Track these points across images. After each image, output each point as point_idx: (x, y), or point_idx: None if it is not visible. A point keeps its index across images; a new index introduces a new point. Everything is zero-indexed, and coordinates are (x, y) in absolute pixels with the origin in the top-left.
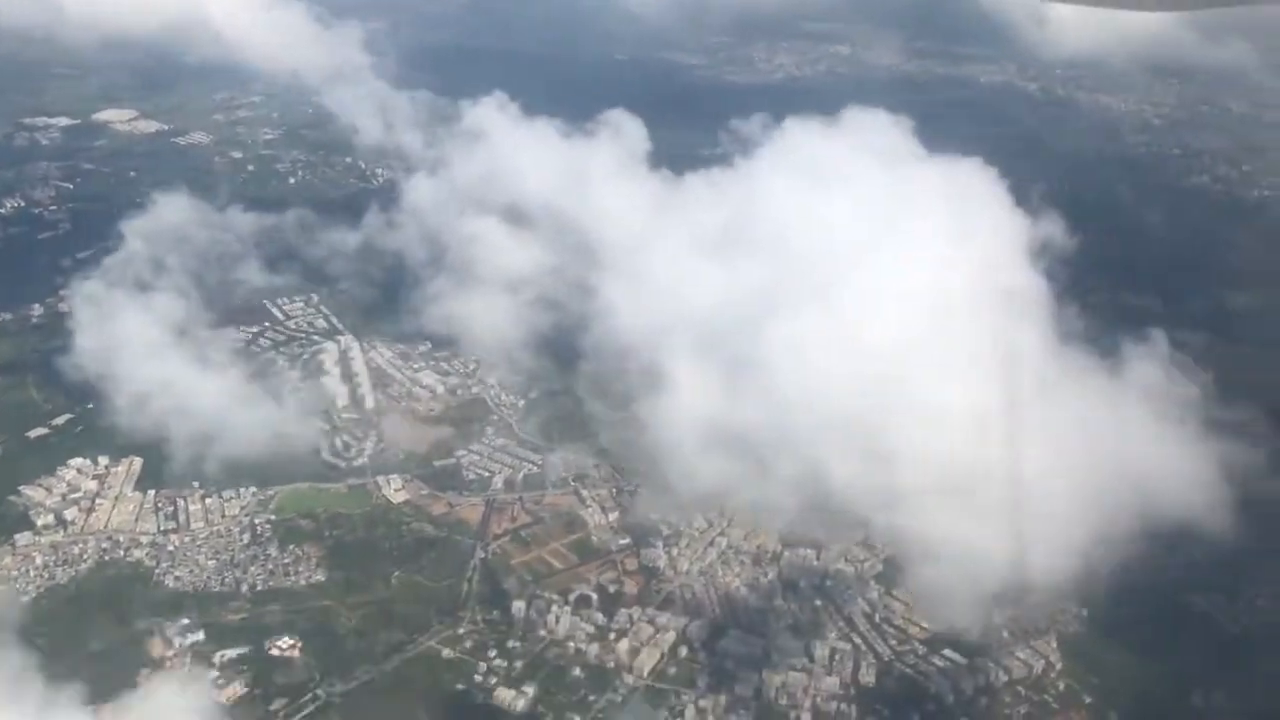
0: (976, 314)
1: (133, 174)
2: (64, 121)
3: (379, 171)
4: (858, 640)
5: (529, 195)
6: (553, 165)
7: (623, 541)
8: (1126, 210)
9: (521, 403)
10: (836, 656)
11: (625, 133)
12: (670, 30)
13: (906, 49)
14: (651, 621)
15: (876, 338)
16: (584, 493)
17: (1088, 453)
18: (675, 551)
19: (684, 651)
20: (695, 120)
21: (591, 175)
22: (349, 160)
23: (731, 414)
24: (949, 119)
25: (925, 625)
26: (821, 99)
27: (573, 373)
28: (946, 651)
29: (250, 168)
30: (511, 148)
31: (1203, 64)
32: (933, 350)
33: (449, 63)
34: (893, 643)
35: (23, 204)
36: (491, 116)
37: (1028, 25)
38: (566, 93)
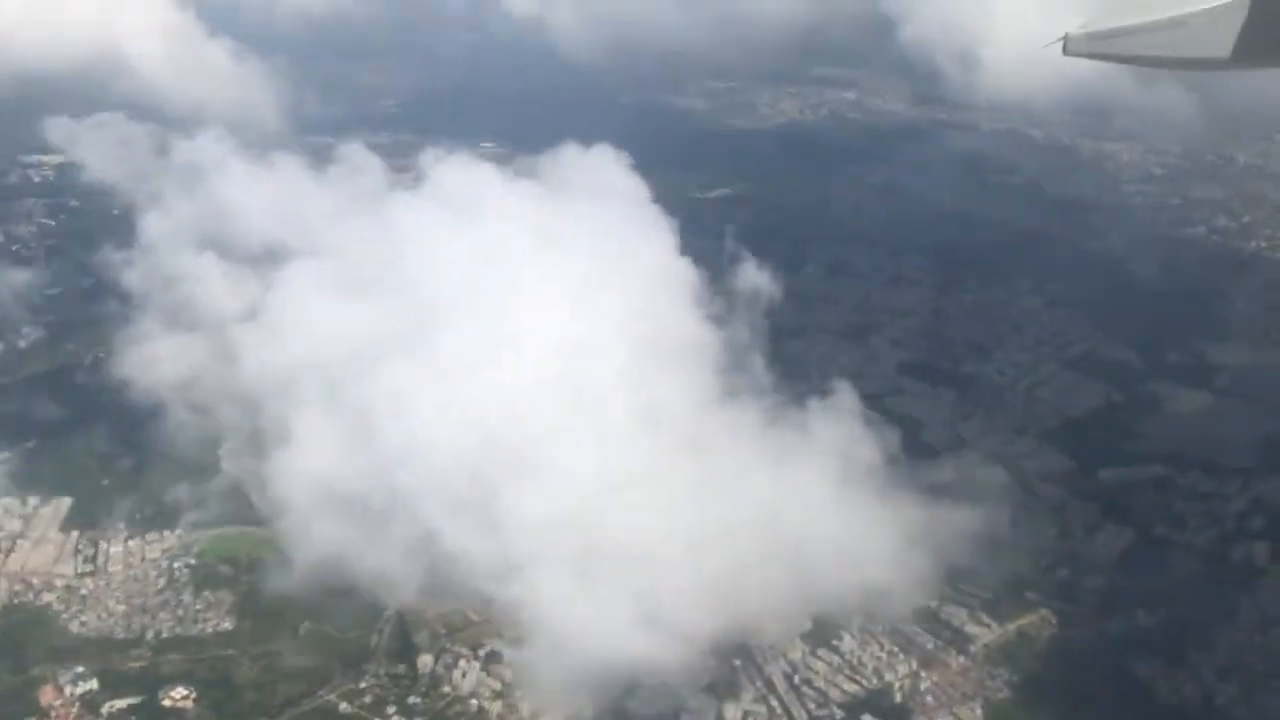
0: (631, 367)
1: None
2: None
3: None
4: (774, 703)
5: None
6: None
7: None
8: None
9: None
10: (749, 719)
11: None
12: (670, 74)
13: (913, 95)
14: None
15: (501, 389)
16: None
17: (740, 518)
18: None
19: (590, 712)
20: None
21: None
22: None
23: (349, 472)
24: (936, 164)
25: (847, 688)
26: (812, 144)
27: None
28: (865, 717)
29: None
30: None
31: (1210, 114)
32: (566, 404)
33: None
34: (810, 706)
35: None
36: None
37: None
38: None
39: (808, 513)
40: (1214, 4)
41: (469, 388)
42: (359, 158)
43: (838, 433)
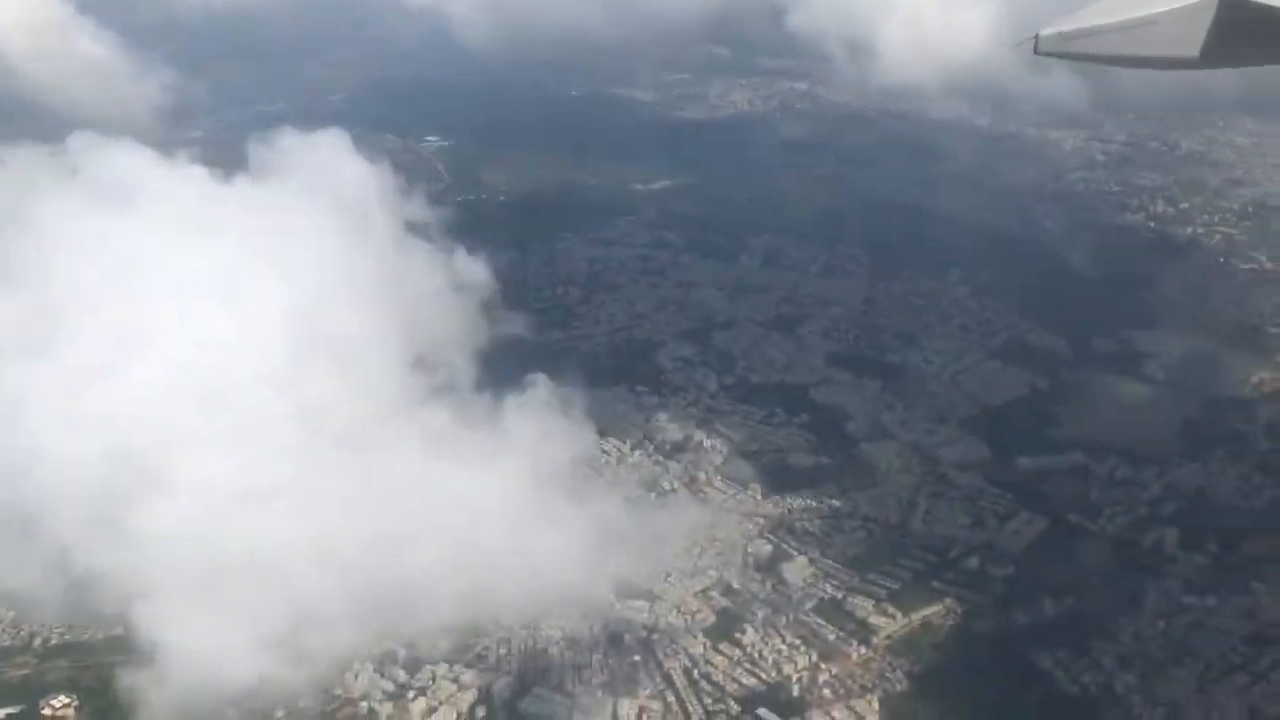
0: (290, 367)
1: None
2: None
3: None
4: (671, 698)
5: None
6: None
7: None
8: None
9: None
10: (643, 716)
11: None
12: (626, 66)
13: (863, 86)
14: (456, 679)
15: (134, 391)
16: None
17: (410, 527)
18: None
19: (482, 712)
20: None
21: None
22: None
23: None
24: (879, 154)
25: (745, 682)
26: (759, 135)
27: None
28: (762, 711)
29: None
30: None
31: (1160, 101)
32: (206, 407)
33: None
34: (707, 701)
35: None
36: None
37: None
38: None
39: (496, 519)
40: (1183, 3)
41: (98, 391)
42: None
43: (537, 431)
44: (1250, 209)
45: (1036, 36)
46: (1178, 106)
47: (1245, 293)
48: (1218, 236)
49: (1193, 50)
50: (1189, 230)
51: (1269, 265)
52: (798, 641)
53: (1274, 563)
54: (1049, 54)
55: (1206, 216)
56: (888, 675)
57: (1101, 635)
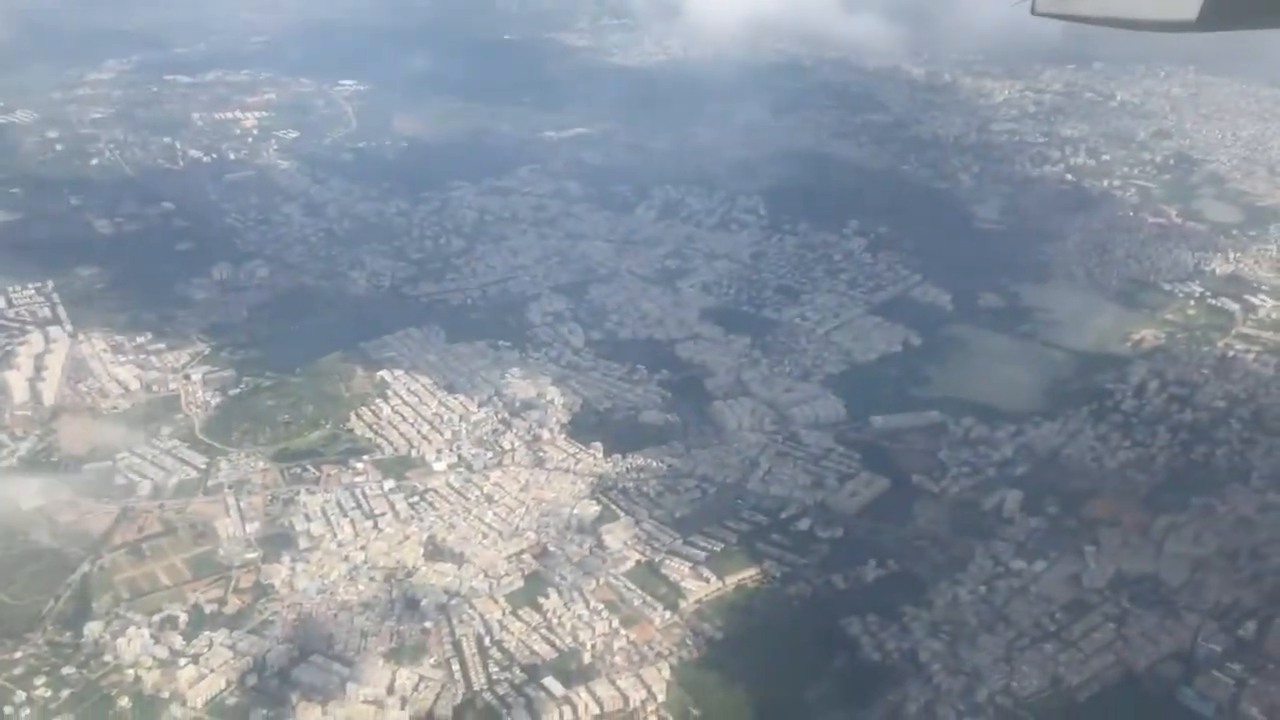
0: None
1: None
2: None
3: (191, 153)
4: (456, 667)
5: None
6: None
7: (250, 555)
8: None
9: (217, 400)
10: (421, 685)
11: None
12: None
13: (807, 35)
14: (233, 646)
15: None
16: (232, 500)
17: None
18: (301, 567)
19: (253, 680)
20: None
21: None
22: (168, 141)
23: None
24: (807, 104)
25: (538, 649)
26: (688, 82)
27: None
28: (547, 680)
29: (59, 147)
30: None
31: (1107, 53)
32: None
33: None
34: (494, 670)
35: None
36: None
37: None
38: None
39: None
40: None
41: None
42: None
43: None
44: (1172, 161)
45: None
46: (1123, 56)
47: (1147, 247)
48: (1133, 189)
49: (1189, 13)
50: (1105, 183)
51: (1178, 219)
52: (601, 607)
53: (1112, 526)
54: (1046, 14)
55: (1126, 169)
56: (688, 642)
57: (919, 601)
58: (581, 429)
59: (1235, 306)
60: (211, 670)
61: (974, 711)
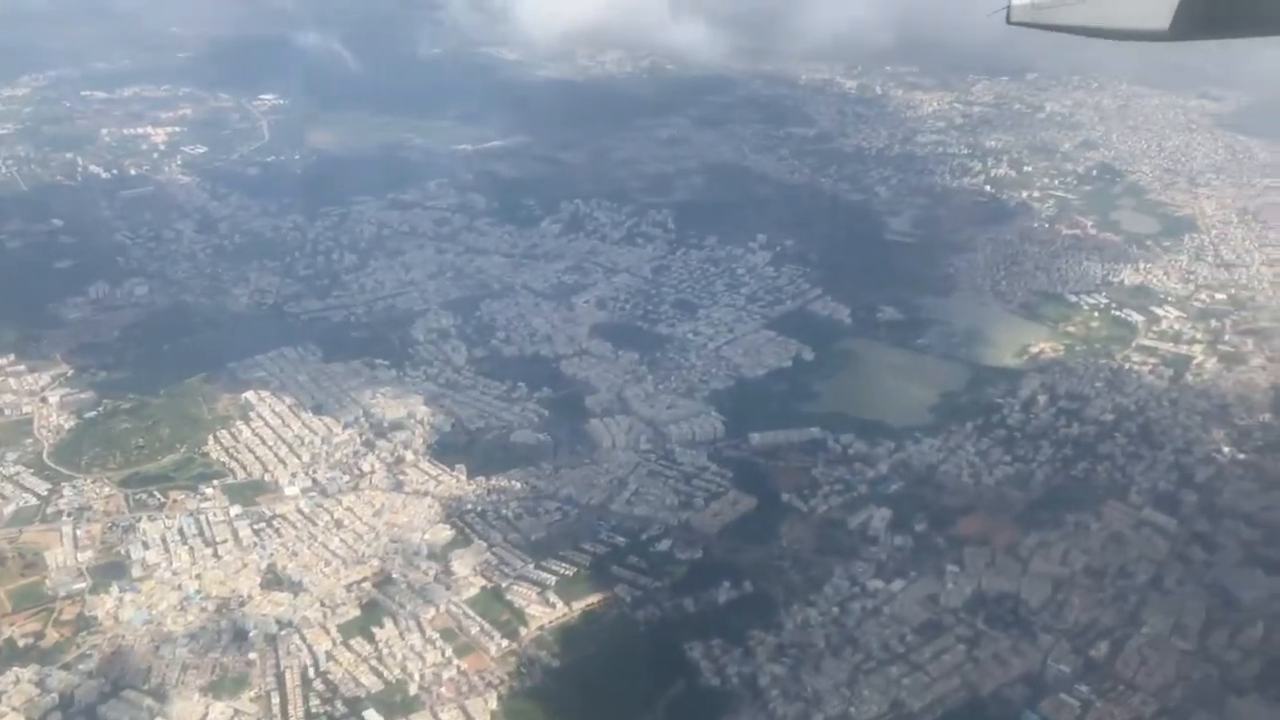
0: None
1: None
2: None
3: (91, 169)
4: (276, 701)
5: None
6: None
7: (78, 585)
8: None
9: (71, 424)
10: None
11: None
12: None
13: (740, 49)
14: (40, 683)
15: None
16: (69, 529)
17: None
18: (130, 597)
19: (58, 718)
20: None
21: None
22: (70, 156)
23: None
24: (733, 117)
25: (364, 681)
26: (617, 96)
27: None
28: (368, 713)
29: None
30: None
31: (1043, 64)
32: None
33: None
34: (314, 703)
35: None
36: None
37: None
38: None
39: None
40: None
41: None
42: None
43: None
44: (1094, 172)
45: (1010, 6)
46: (1057, 68)
47: (1057, 259)
48: (1052, 201)
49: (1162, 23)
50: (1024, 194)
51: (1092, 230)
52: (437, 636)
53: (980, 544)
54: (1021, 23)
55: (1047, 180)
56: (522, 671)
57: (768, 624)
58: (448, 450)
59: (1139, 318)
60: (12, 709)
61: None
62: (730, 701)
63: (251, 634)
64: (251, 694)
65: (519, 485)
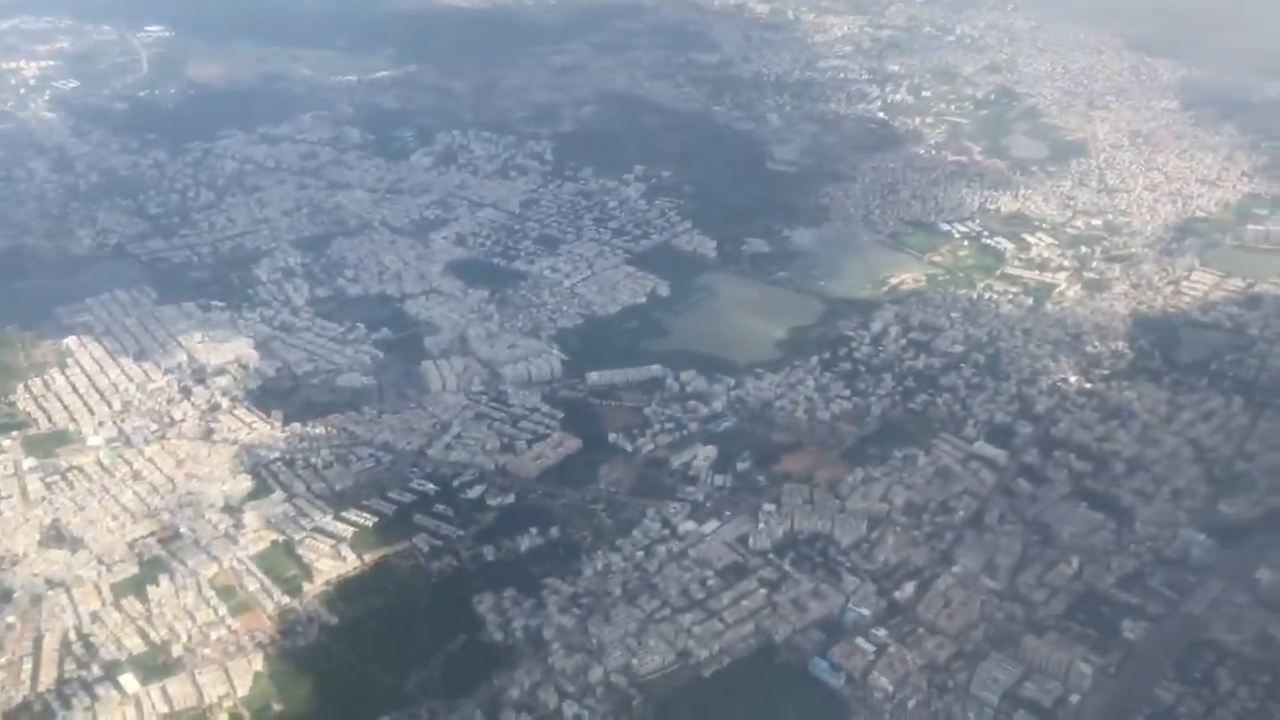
0: None
1: None
2: None
3: None
4: (28, 665)
5: None
6: None
7: None
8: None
9: None
10: None
11: None
12: None
13: None
14: None
15: None
16: None
17: None
18: None
19: None
20: None
21: None
22: None
23: None
24: (636, 44)
25: (127, 643)
26: (518, 22)
27: None
28: (124, 677)
29: None
30: None
31: None
32: None
33: None
34: (70, 667)
35: None
36: None
37: None
38: None
39: None
40: None
41: None
42: None
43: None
44: (993, 97)
45: None
46: None
47: (936, 187)
48: (944, 127)
49: None
50: (918, 120)
51: (979, 157)
52: (213, 594)
53: (803, 482)
54: None
55: (944, 105)
56: (297, 629)
57: (567, 572)
58: (270, 396)
59: (1010, 246)
60: None
61: (583, 693)
62: (509, 655)
63: (17, 594)
64: (3, 659)
65: (335, 431)
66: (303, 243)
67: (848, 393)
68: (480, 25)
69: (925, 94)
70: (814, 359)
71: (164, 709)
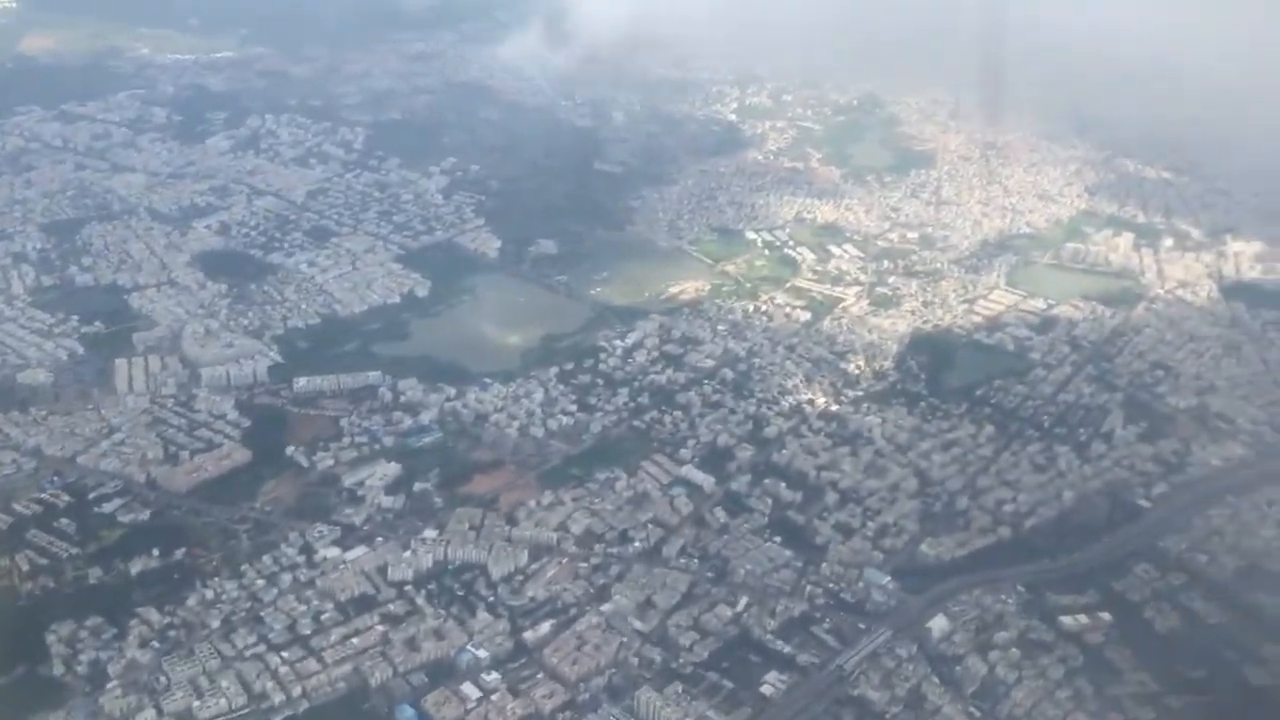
0: None
1: None
2: None
3: None
4: None
5: None
6: None
7: None
8: None
9: None
10: None
11: None
12: None
13: None
14: None
15: None
16: None
17: None
18: None
19: None
20: None
21: None
22: None
23: None
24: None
25: None
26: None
27: None
28: None
29: None
30: None
31: None
32: None
33: None
34: None
35: None
36: None
37: None
38: None
39: None
40: None
41: None
42: None
43: None
44: (856, 103)
45: None
46: None
47: (759, 194)
48: (794, 132)
49: None
50: (767, 125)
51: (815, 164)
52: None
53: (482, 505)
54: None
55: (801, 110)
56: None
57: (170, 600)
58: None
59: (811, 257)
60: None
61: None
62: (60, 693)
63: None
64: None
65: None
66: (54, 226)
67: (574, 407)
68: (356, 11)
69: (786, 98)
70: (553, 370)
71: None
